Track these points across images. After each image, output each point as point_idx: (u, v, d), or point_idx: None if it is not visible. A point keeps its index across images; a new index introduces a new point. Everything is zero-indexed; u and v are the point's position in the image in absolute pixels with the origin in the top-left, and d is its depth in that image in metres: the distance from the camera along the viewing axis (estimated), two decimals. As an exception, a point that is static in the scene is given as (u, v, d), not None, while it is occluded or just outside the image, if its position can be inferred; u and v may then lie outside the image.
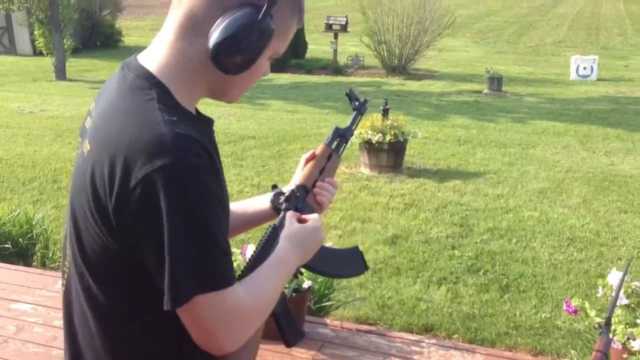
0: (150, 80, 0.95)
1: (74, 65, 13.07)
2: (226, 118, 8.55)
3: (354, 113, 1.31)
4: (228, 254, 0.93)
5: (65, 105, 9.77)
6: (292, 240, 1.08)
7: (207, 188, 0.89)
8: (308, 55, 14.43)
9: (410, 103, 10.13)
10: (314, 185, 1.22)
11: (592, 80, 12.37)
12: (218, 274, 0.90)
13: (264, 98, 10.30)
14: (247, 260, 1.08)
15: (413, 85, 11.93)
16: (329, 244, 1.18)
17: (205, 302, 0.89)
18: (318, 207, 1.21)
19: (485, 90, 10.96)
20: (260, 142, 7.48)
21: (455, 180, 6.06)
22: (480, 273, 4.09)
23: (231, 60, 0.95)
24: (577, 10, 28.73)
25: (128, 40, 17.99)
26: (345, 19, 13.85)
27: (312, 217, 1.13)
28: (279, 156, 6.90)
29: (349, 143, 1.29)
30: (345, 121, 1.33)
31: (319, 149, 1.24)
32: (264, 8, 0.93)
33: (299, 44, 14.31)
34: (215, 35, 0.93)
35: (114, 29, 17.82)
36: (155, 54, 0.98)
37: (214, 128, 1.06)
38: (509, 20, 25.41)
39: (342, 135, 1.26)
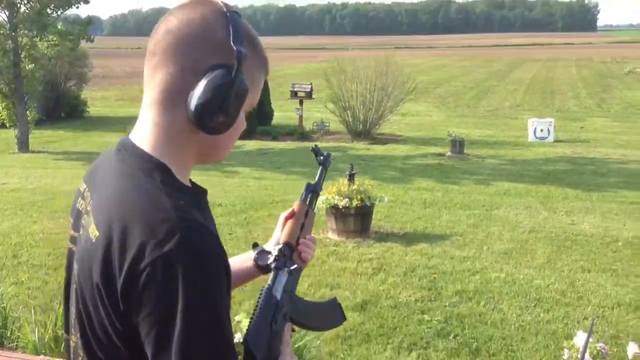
0: (150, 162, 0.98)
1: (37, 136, 12.99)
2: (193, 186, 8.51)
3: (320, 168, 1.37)
4: (231, 335, 0.94)
5: (27, 177, 9.64)
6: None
7: (213, 273, 0.91)
8: (274, 122, 14.64)
9: (375, 167, 10.29)
10: (297, 243, 1.25)
11: (549, 142, 12.79)
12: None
13: (230, 165, 10.35)
14: (249, 323, 1.11)
15: (378, 150, 12.16)
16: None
17: None
18: (302, 264, 1.25)
19: (448, 153, 11.22)
20: (227, 209, 7.46)
21: (423, 243, 6.11)
22: (450, 337, 4.07)
23: (215, 121, 0.98)
24: (532, 75, 29.98)
25: (93, 110, 18.00)
26: (310, 86, 14.18)
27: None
28: (246, 224, 6.88)
29: (319, 197, 1.33)
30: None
31: (296, 206, 1.28)
32: (235, 67, 0.97)
33: (265, 111, 14.53)
34: (194, 101, 0.96)
35: (79, 100, 17.83)
36: (146, 134, 1.01)
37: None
38: (468, 85, 26.34)
39: (313, 191, 1.31)
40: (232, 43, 0.97)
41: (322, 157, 1.37)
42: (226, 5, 1.01)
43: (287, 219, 1.28)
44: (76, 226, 1.06)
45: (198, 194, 1.05)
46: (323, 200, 6.05)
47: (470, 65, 38.37)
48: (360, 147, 12.40)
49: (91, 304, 0.96)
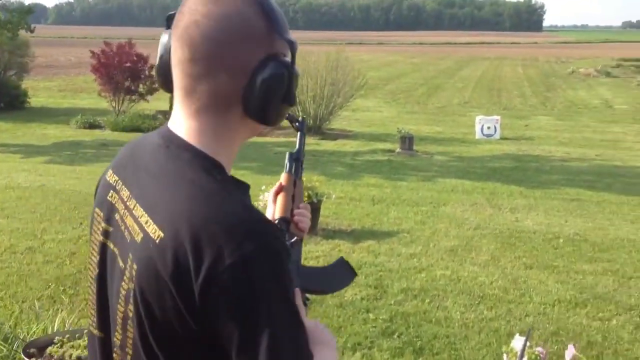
0: (207, 161, 0.96)
1: (-27, 127, 12.41)
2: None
3: (299, 134, 1.32)
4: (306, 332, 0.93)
5: (-38, 169, 9.19)
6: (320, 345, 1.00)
7: (288, 270, 0.91)
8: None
9: (325, 163, 10.24)
10: (292, 214, 1.24)
11: (495, 139, 13.03)
12: (307, 353, 0.91)
13: (177, 160, 10.13)
14: None
15: (328, 145, 12.12)
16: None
17: None
18: (301, 233, 1.25)
19: (398, 150, 11.28)
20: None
21: (370, 240, 6.09)
22: (395, 336, 4.05)
23: (281, 113, 1.00)
24: (480, 74, 30.56)
25: (35, 101, 17.34)
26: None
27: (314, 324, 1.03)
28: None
29: (303, 164, 1.31)
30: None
31: (283, 178, 1.26)
32: (291, 54, 0.98)
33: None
34: (257, 101, 0.95)
35: (20, 90, 17.15)
36: (195, 133, 0.98)
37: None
38: (418, 82, 26.63)
39: (296, 159, 1.28)
40: (276, 34, 0.96)
41: (297, 123, 1.31)
42: None
43: (276, 194, 1.26)
44: (109, 220, 1.02)
45: (247, 189, 1.02)
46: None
47: (420, 62, 38.85)
48: (310, 143, 12.31)
49: (157, 305, 0.90)
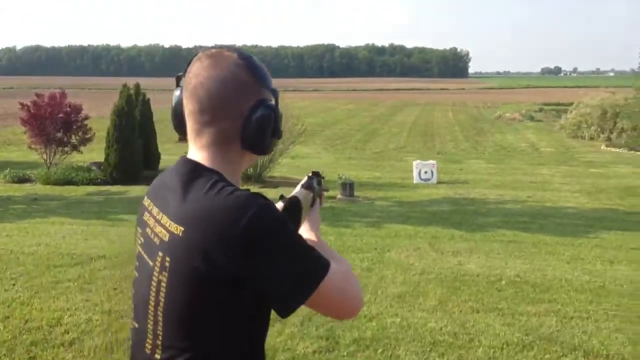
0: (217, 173, 1.26)
1: None
2: (72, 237, 7.97)
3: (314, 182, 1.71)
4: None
5: None
6: (316, 223, 1.61)
7: (284, 215, 1.26)
8: (161, 165, 14.19)
9: (267, 212, 10.18)
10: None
11: (433, 183, 13.37)
12: (324, 261, 1.20)
13: (114, 213, 9.83)
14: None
15: (270, 193, 11.87)
16: None
17: (329, 284, 1.19)
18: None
19: (339, 196, 11.37)
20: (111, 261, 7.01)
21: (317, 290, 6.03)
22: (350, 389, 3.99)
23: (271, 145, 1.31)
24: (413, 119, 31.50)
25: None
26: (198, 129, 13.88)
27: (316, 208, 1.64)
28: (133, 276, 6.47)
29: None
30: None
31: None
32: (275, 100, 1.29)
33: (151, 155, 14.06)
34: (253, 139, 1.26)
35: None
36: (208, 161, 1.28)
37: None
38: (354, 127, 27.16)
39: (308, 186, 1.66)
40: (262, 86, 1.28)
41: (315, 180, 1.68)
42: (240, 53, 1.28)
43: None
44: (143, 234, 1.32)
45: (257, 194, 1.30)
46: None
47: (355, 109, 39.70)
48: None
49: (188, 279, 1.19)
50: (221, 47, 1.30)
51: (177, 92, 1.37)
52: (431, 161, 14.19)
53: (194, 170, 1.26)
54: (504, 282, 6.35)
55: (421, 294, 5.98)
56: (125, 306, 5.45)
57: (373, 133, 25.27)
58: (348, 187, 11.45)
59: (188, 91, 1.28)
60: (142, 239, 1.33)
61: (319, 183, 1.68)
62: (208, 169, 1.26)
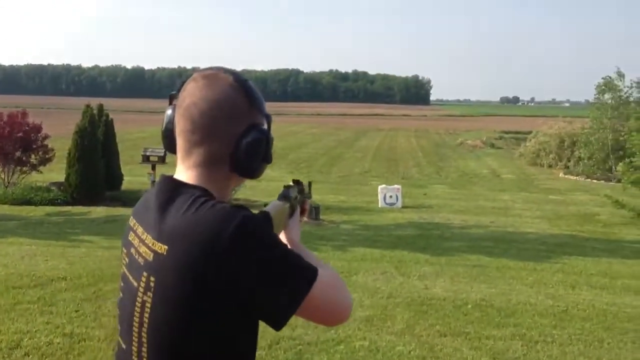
0: (202, 190, 1.24)
1: None
2: (31, 258, 7.74)
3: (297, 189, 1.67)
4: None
5: None
6: (296, 231, 1.57)
7: (268, 225, 1.29)
8: (123, 186, 13.96)
9: (233, 234, 10.08)
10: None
11: (398, 207, 13.47)
12: (312, 269, 1.19)
13: (74, 234, 9.59)
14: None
15: (234, 216, 11.97)
16: None
17: (318, 291, 1.17)
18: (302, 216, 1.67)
19: (305, 219, 11.34)
20: (72, 283, 6.82)
21: (285, 313, 5.97)
22: (320, 414, 3.94)
23: (261, 169, 1.30)
24: (377, 144, 31.84)
25: None
26: (163, 150, 13.76)
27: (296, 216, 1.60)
28: (95, 298, 6.31)
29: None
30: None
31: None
32: (267, 125, 1.28)
33: (113, 176, 13.83)
34: (243, 162, 1.25)
35: None
36: (195, 179, 1.26)
37: None
38: (319, 151, 27.27)
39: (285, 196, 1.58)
40: (256, 110, 1.27)
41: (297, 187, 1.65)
42: (236, 76, 1.27)
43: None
44: (128, 254, 1.30)
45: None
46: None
47: (319, 133, 39.93)
48: (216, 213, 12.16)
49: (174, 296, 1.17)
50: (218, 68, 1.29)
51: (169, 111, 1.34)
52: (396, 185, 14.33)
53: (175, 188, 1.25)
54: (469, 306, 6.41)
55: (389, 318, 5.98)
56: (86, 329, 5.29)
57: (338, 157, 25.42)
58: (314, 211, 11.45)
59: (181, 110, 1.27)
60: (127, 259, 1.31)
61: (301, 191, 1.65)
62: (190, 185, 1.24)
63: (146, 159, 13.72)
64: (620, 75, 22.64)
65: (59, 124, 23.99)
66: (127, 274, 1.29)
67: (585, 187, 19.72)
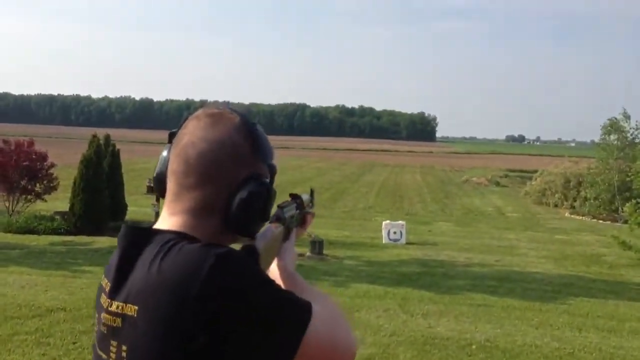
0: (183, 238, 1.06)
1: None
2: (31, 288, 7.67)
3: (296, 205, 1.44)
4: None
5: None
6: (291, 257, 1.33)
7: (251, 261, 1.06)
8: (128, 216, 13.94)
9: (235, 268, 10.02)
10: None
11: (402, 243, 13.39)
12: (305, 308, 1.04)
13: (76, 264, 9.54)
14: None
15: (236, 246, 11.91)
16: None
17: (314, 332, 1.03)
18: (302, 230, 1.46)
19: (308, 254, 11.27)
20: (71, 314, 6.74)
21: (286, 350, 5.87)
22: None
23: (256, 227, 1.13)
24: (382, 180, 31.85)
25: None
26: (168, 182, 13.77)
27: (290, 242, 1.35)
28: (93, 330, 6.23)
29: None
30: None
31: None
32: (270, 176, 1.13)
33: (118, 206, 13.83)
34: (237, 211, 1.08)
35: None
36: (179, 225, 1.09)
37: None
38: (324, 186, 27.27)
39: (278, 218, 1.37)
40: (260, 157, 1.12)
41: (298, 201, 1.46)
42: (244, 118, 1.14)
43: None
44: (99, 321, 1.12)
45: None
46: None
47: (325, 167, 40.03)
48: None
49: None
50: (225, 107, 1.17)
51: (164, 153, 1.19)
52: (400, 222, 14.27)
53: (142, 238, 1.09)
54: (474, 347, 6.29)
55: (391, 357, 5.87)
56: (84, 362, 5.21)
57: (342, 192, 25.42)
58: (317, 245, 11.38)
59: (177, 149, 1.12)
60: (97, 326, 1.15)
61: (300, 207, 1.44)
62: (163, 231, 1.09)
63: (151, 189, 13.73)
64: (626, 117, 22.73)
65: (67, 154, 24.15)
66: (96, 345, 1.13)
67: (592, 227, 19.59)
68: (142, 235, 1.09)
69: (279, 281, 1.23)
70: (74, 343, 5.78)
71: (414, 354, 5.98)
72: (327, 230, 14.67)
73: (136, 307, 1.03)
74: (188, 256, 1.01)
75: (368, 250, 12.42)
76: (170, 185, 1.13)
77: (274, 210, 1.32)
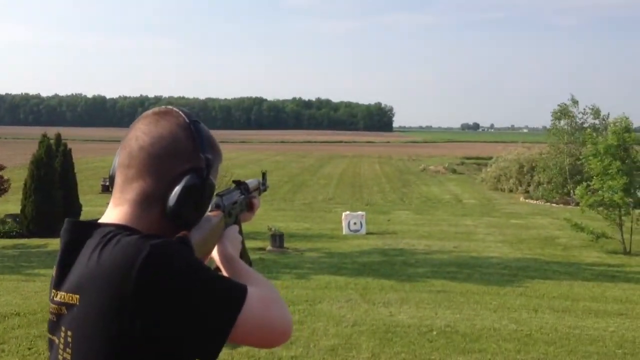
0: (123, 230, 1.11)
1: None
2: (-17, 293, 7.42)
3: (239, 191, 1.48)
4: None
5: None
6: (233, 243, 1.36)
7: (186, 250, 1.09)
8: (82, 217, 13.61)
9: (195, 264, 9.91)
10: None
11: (362, 234, 13.47)
12: (239, 290, 1.09)
13: (30, 267, 9.27)
14: None
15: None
16: None
17: (247, 314, 1.07)
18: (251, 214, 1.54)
19: (269, 247, 11.24)
20: (26, 319, 6.55)
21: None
22: None
23: (191, 218, 1.16)
24: (341, 171, 31.96)
25: None
26: (123, 180, 13.50)
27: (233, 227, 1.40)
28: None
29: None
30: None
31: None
32: (206, 169, 1.16)
33: (72, 206, 13.49)
34: (173, 206, 1.13)
35: None
36: (122, 216, 1.15)
37: None
38: (282, 179, 27.21)
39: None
40: (199, 153, 1.17)
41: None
42: (188, 115, 1.19)
43: None
44: (51, 310, 1.17)
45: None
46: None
47: (283, 160, 39.92)
48: (178, 243, 11.94)
49: (96, 357, 1.07)
50: (173, 107, 1.23)
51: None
52: (360, 212, 14.34)
53: (83, 231, 1.15)
54: (435, 333, 6.38)
55: (354, 347, 5.90)
56: (41, 368, 5.07)
57: (302, 184, 25.41)
58: (278, 239, 11.35)
59: (123, 142, 1.20)
60: (50, 315, 1.20)
61: (246, 191, 1.46)
62: (104, 224, 1.15)
63: (106, 189, 13.46)
64: (575, 102, 23.34)
65: (16, 154, 23.44)
66: (50, 331, 1.19)
67: (545, 210, 20.10)
68: (83, 229, 1.15)
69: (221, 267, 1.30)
70: (29, 349, 5.62)
71: (376, 342, 6.03)
72: (287, 223, 14.65)
73: (77, 296, 1.10)
74: (125, 247, 1.06)
75: (329, 242, 12.46)
76: (117, 178, 1.19)
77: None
